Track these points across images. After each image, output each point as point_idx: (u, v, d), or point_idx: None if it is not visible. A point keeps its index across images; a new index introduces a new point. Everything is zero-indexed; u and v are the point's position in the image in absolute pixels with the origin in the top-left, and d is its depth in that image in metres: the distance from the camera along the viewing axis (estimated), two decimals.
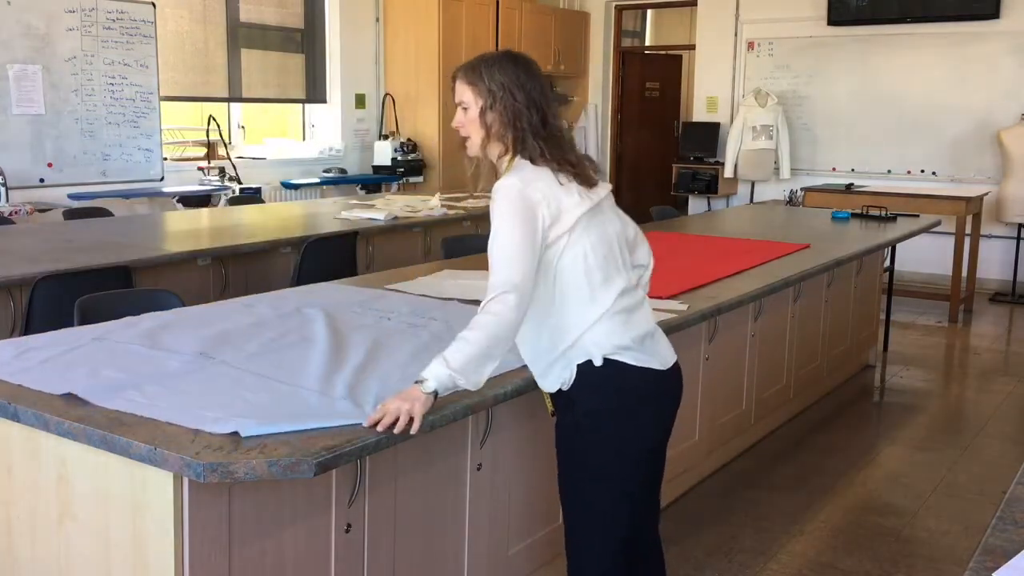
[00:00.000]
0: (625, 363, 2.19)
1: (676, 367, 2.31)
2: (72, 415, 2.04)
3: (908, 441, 4.70)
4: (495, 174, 2.27)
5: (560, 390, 2.25)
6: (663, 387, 2.28)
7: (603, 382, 2.19)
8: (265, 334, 2.74)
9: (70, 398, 2.13)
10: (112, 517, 2.02)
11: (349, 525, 2.24)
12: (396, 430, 2.00)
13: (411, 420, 2.01)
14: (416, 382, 2.05)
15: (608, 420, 2.21)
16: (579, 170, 2.22)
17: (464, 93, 2.24)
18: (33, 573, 2.20)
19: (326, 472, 1.93)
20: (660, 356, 2.26)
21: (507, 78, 2.20)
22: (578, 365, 2.20)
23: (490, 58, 2.25)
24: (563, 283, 2.17)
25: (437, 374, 2.03)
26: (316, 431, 1.98)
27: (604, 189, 2.29)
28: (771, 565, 3.36)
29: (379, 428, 2.00)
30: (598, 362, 2.18)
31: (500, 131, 2.21)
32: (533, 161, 2.19)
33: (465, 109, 2.24)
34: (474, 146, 2.26)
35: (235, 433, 1.93)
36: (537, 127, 2.20)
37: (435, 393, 2.04)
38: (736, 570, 3.32)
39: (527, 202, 2.12)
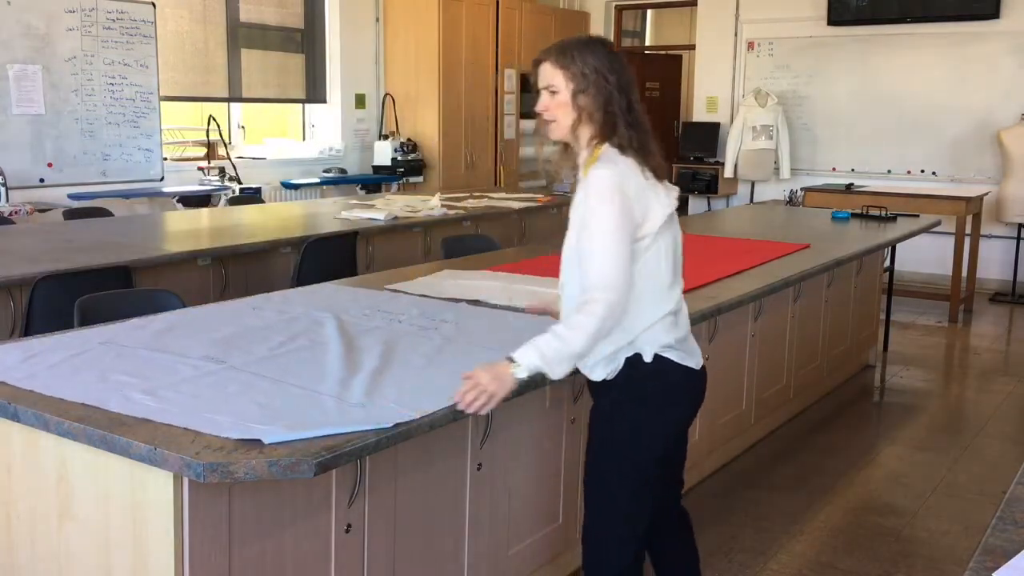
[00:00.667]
0: (670, 360, 2.25)
1: (704, 367, 2.38)
2: (72, 415, 2.03)
3: (908, 441, 4.69)
4: (573, 165, 2.28)
5: (604, 379, 2.28)
6: (697, 385, 2.36)
7: (646, 377, 2.24)
8: (275, 338, 2.72)
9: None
10: (112, 517, 2.02)
11: (349, 525, 2.24)
12: (471, 410, 2.06)
13: (487, 401, 2.07)
14: (508, 359, 2.09)
15: (643, 412, 2.26)
16: (657, 163, 2.24)
17: (554, 76, 2.23)
18: (33, 573, 2.20)
19: (326, 472, 1.92)
20: (695, 356, 2.33)
21: (599, 62, 2.21)
22: (627, 358, 2.24)
23: (580, 42, 2.25)
24: (640, 284, 2.19)
25: (532, 365, 2.08)
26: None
27: (675, 190, 2.30)
28: (771, 565, 3.36)
29: (462, 407, 2.06)
30: (648, 358, 2.24)
31: (592, 114, 2.22)
32: (621, 150, 2.20)
33: (553, 92, 2.24)
34: (561, 129, 2.26)
35: (257, 440, 1.91)
36: (625, 112, 2.22)
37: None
38: (736, 570, 3.32)
39: (624, 196, 2.14)
